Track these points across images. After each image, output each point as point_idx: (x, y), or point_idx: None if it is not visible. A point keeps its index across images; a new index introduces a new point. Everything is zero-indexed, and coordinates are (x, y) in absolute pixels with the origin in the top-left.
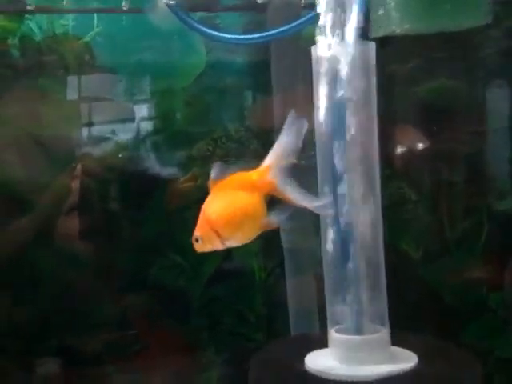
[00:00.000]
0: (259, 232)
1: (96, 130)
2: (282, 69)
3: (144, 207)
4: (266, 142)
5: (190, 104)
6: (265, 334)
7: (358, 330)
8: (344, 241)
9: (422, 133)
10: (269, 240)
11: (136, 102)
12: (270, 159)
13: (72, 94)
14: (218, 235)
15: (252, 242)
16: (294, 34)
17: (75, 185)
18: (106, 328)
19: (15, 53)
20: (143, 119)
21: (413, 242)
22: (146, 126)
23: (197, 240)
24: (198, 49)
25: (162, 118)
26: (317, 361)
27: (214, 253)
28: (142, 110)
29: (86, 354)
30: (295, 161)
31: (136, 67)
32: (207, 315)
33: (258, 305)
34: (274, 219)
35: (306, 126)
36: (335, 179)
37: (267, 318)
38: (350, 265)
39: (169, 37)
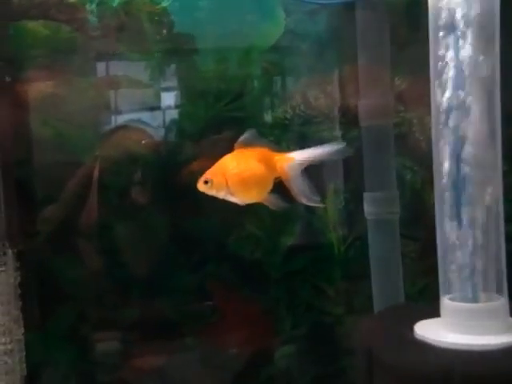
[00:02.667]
0: (257, 201)
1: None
2: (368, 32)
3: None
4: (346, 110)
5: (268, 70)
6: (343, 308)
7: (474, 299)
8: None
9: None
10: (348, 212)
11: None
12: (299, 154)
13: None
14: (227, 184)
15: (331, 214)
16: None
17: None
18: (183, 297)
19: (93, 19)
20: (219, 85)
21: None
22: (221, 94)
23: (206, 182)
24: (277, 13)
25: (240, 85)
26: (428, 329)
27: (292, 225)
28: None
29: (164, 323)
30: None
31: (213, 33)
32: (284, 287)
33: (337, 278)
34: (274, 200)
35: (345, 154)
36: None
37: (346, 292)
38: (465, 230)
39: (247, 1)
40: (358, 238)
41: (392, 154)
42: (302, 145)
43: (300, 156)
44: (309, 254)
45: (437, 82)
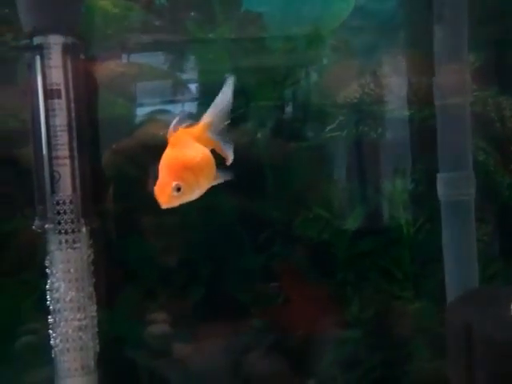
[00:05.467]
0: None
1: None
2: (445, 6)
3: (290, 158)
4: (418, 88)
5: (337, 48)
6: (412, 291)
7: None
8: None
9: None
10: (418, 194)
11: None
12: (208, 116)
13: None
14: (196, 179)
15: (400, 196)
16: None
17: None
18: (249, 279)
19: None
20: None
21: None
22: (292, 73)
23: (178, 189)
24: None
25: (309, 63)
26: None
27: (360, 207)
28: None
29: (230, 303)
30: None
31: (283, 10)
32: (352, 270)
33: (406, 261)
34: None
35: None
36: None
37: (415, 275)
38: None
39: None
40: (428, 220)
41: (468, 133)
42: (372, 124)
43: (210, 117)
44: (377, 237)
45: None
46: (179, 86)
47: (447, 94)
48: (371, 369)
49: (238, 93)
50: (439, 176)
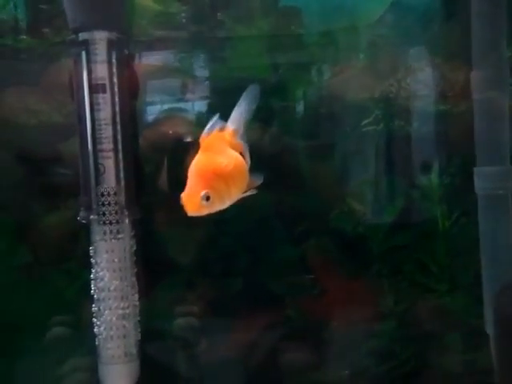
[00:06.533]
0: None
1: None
2: (483, 1)
3: (328, 148)
4: (455, 82)
5: (374, 43)
6: (448, 285)
7: None
8: None
9: None
10: (454, 187)
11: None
12: (233, 123)
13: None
14: (228, 188)
15: (436, 189)
16: None
17: None
18: (285, 270)
19: None
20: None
21: None
22: (328, 68)
23: (207, 198)
24: None
25: (345, 58)
26: None
27: (396, 200)
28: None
29: (266, 294)
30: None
31: (319, 4)
32: (387, 263)
33: (441, 254)
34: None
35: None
36: None
37: (450, 269)
38: None
39: None
40: (464, 213)
41: (506, 127)
42: (408, 118)
43: (236, 123)
44: (412, 230)
45: None
46: (216, 82)
47: (485, 87)
48: (405, 361)
49: (273, 87)
50: (476, 170)
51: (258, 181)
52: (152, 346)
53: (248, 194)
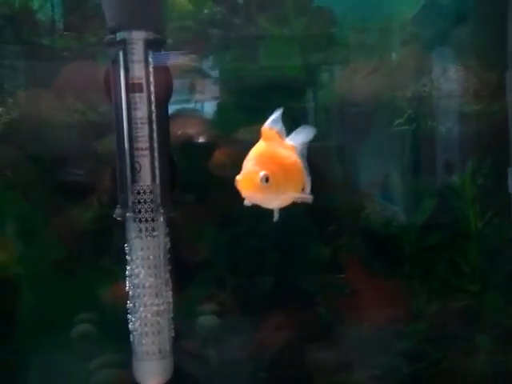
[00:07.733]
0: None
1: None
2: None
3: (360, 148)
4: (488, 83)
5: (407, 42)
6: (480, 285)
7: None
8: None
9: None
10: (487, 187)
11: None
12: (294, 141)
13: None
14: (285, 178)
15: (468, 189)
16: None
17: None
18: (316, 269)
19: None
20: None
21: None
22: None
23: (266, 180)
24: None
25: (378, 57)
26: None
27: (428, 200)
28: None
29: (297, 293)
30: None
31: (354, 4)
32: (419, 263)
33: (473, 255)
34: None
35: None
36: None
37: (482, 269)
38: None
39: None
40: (497, 213)
41: None
42: (441, 118)
43: (297, 143)
44: (445, 230)
45: None
46: (249, 81)
47: None
48: (436, 362)
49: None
50: (510, 170)
51: (308, 185)
52: (184, 343)
53: (304, 196)
